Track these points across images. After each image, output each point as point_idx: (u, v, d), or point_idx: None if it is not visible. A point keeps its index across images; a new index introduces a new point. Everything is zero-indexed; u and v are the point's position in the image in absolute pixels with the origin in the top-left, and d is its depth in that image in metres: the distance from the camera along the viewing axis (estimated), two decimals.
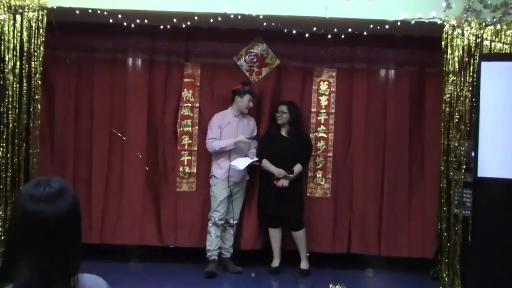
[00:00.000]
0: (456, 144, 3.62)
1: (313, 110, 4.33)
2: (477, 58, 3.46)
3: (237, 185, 4.06)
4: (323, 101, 4.32)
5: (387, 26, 3.77)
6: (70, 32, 4.04)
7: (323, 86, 4.33)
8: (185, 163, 4.27)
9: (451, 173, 3.69)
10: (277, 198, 3.98)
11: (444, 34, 3.61)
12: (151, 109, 4.22)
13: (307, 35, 4.05)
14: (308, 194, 4.29)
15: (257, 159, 4.00)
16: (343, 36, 4.07)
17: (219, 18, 3.77)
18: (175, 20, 3.88)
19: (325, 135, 4.29)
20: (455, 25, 3.59)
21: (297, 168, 4.04)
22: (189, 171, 4.26)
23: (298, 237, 4.03)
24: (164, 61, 4.23)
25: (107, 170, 4.19)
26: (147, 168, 4.22)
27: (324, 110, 4.33)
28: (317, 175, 4.30)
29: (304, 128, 4.21)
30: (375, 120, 4.27)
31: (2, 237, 3.46)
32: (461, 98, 3.61)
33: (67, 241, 1.11)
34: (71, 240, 1.12)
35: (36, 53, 3.64)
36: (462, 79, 3.61)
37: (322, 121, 4.31)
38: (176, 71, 4.24)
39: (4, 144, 3.58)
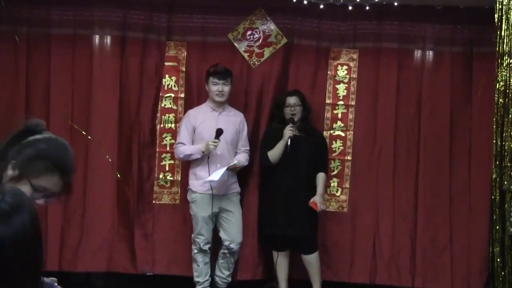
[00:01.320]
0: None
1: (328, 101, 4.19)
2: None
3: (225, 199, 3.81)
4: (341, 90, 4.18)
5: None
6: (18, 0, 3.94)
7: (341, 72, 4.20)
8: (167, 169, 4.10)
9: (505, 183, 3.58)
10: (285, 214, 3.78)
11: (497, 5, 3.45)
12: (123, 100, 4.08)
13: (321, 6, 3.93)
14: None
15: (236, 161, 3.77)
16: (367, 8, 3.93)
17: None
18: None
19: (342, 134, 4.18)
20: None
21: (321, 179, 3.87)
22: (171, 178, 4.12)
23: (311, 262, 3.87)
24: (140, 39, 4.09)
25: None
26: (118, 176, 4.07)
27: (342, 102, 4.19)
28: (332, 184, 4.17)
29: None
30: (408, 115, 4.15)
31: None
32: None
33: (26, 275, 1.04)
34: (30, 272, 1.05)
35: None
36: None
37: (339, 115, 4.18)
38: (155, 52, 4.10)
39: None
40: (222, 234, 3.79)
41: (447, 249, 4.07)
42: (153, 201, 4.09)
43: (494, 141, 3.59)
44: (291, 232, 3.78)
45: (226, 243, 3.78)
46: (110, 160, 4.01)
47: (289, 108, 3.82)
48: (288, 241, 3.85)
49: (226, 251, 3.81)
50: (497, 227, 3.60)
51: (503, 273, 3.57)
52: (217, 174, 3.65)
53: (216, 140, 3.60)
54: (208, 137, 3.69)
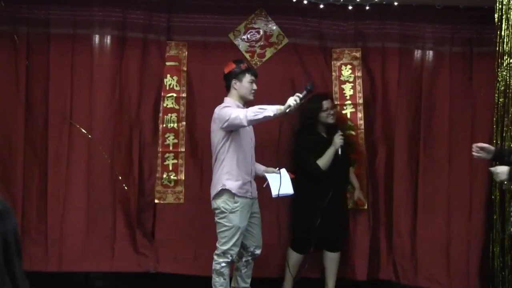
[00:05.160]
0: None
1: (335, 102, 4.17)
2: None
3: (254, 202, 3.58)
4: (347, 90, 4.17)
5: None
6: (18, 0, 3.92)
7: (346, 71, 4.18)
8: (170, 168, 4.09)
9: (505, 183, 3.42)
10: (325, 217, 3.79)
11: (497, 5, 3.48)
12: (124, 100, 4.08)
13: (322, 6, 3.90)
14: None
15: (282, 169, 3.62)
16: (367, 8, 3.89)
17: None
18: None
19: (353, 133, 4.16)
20: None
21: (355, 178, 4.03)
22: (175, 178, 4.10)
23: (335, 259, 3.94)
24: (140, 39, 4.08)
25: (67, 177, 4.04)
26: (120, 178, 4.06)
27: (349, 102, 4.19)
28: None
29: None
30: (408, 114, 4.16)
31: None
32: None
33: (13, 270, 1.21)
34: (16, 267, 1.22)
35: None
36: None
37: (349, 115, 4.18)
38: (156, 52, 4.10)
39: None
40: (246, 240, 3.52)
41: (445, 248, 4.07)
42: (157, 201, 4.06)
43: (494, 141, 3.58)
44: (338, 234, 3.87)
45: (251, 248, 3.55)
46: (109, 161, 3.99)
47: (326, 112, 3.81)
48: (326, 242, 3.88)
49: (249, 258, 3.57)
50: (497, 227, 3.59)
51: (503, 273, 3.56)
52: (287, 183, 3.44)
53: (300, 96, 3.16)
54: (247, 137, 3.44)
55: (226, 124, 3.29)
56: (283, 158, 3.79)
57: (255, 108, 3.19)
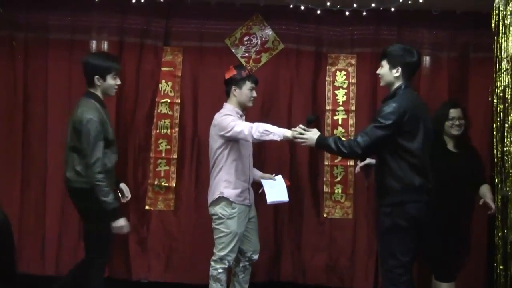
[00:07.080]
0: None
1: (327, 107, 4.19)
2: None
3: (251, 207, 3.57)
4: (341, 96, 4.19)
5: (421, 0, 3.66)
6: (16, 6, 3.96)
7: (340, 77, 4.20)
8: (162, 175, 4.10)
9: (507, 189, 3.50)
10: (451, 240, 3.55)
11: (494, 10, 3.42)
12: (120, 105, 4.08)
13: (319, 11, 3.90)
14: (325, 215, 4.17)
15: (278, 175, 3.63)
16: (364, 13, 3.89)
17: None
18: None
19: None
20: None
21: (489, 190, 3.53)
22: (166, 184, 4.10)
23: None
24: (137, 44, 4.11)
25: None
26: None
27: (342, 108, 4.19)
28: (336, 191, 4.17)
29: None
30: None
31: None
32: None
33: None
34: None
35: None
36: None
37: (340, 121, 4.17)
38: (152, 57, 4.12)
39: None
40: (244, 245, 3.50)
41: None
42: (147, 207, 4.08)
43: (495, 146, 3.51)
44: (457, 259, 3.59)
45: (249, 253, 3.53)
46: None
47: (451, 122, 3.51)
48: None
49: (246, 263, 3.56)
50: (500, 234, 3.56)
51: (504, 280, 3.52)
52: (282, 191, 3.50)
53: (304, 128, 3.12)
54: (246, 148, 3.42)
55: (228, 134, 3.30)
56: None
57: (262, 128, 3.17)
